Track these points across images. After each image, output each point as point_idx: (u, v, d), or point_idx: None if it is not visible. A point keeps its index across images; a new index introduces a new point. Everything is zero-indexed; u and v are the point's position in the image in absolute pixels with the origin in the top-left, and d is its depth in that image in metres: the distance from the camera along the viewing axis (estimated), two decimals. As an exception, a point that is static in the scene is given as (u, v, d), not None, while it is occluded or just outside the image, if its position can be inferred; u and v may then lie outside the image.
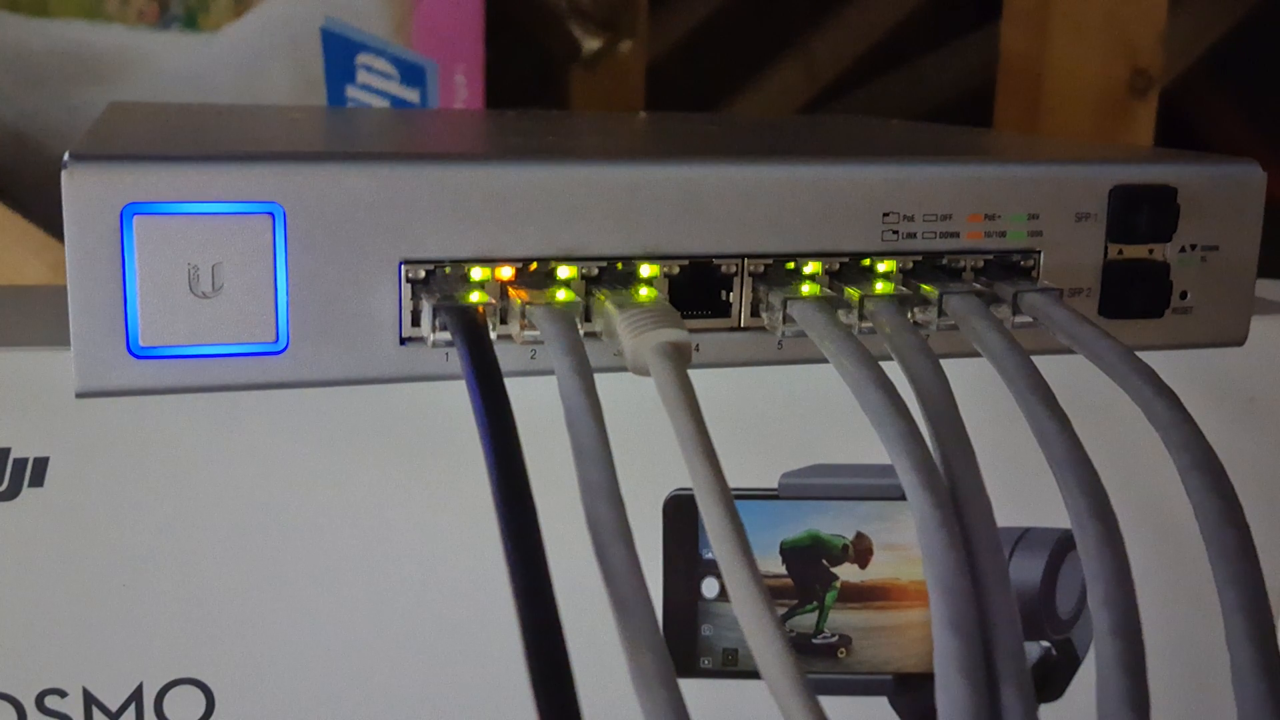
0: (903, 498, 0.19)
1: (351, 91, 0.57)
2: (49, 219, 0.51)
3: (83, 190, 0.21)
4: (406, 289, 0.23)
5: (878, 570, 0.29)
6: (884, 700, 0.30)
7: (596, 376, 0.21)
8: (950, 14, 0.83)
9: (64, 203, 0.21)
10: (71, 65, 0.54)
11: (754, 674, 0.17)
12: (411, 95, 0.58)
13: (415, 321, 0.23)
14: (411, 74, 0.58)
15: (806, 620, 0.29)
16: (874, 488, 0.29)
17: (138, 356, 0.22)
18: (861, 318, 0.24)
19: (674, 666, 0.17)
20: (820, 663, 0.29)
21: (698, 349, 0.24)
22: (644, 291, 0.23)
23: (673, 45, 0.81)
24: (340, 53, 0.57)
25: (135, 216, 0.21)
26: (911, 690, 0.30)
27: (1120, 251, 0.26)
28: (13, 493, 0.25)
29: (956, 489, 0.20)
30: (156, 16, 0.55)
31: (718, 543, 0.18)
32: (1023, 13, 0.67)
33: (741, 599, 0.18)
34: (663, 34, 0.79)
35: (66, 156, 0.21)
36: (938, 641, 0.17)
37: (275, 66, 0.56)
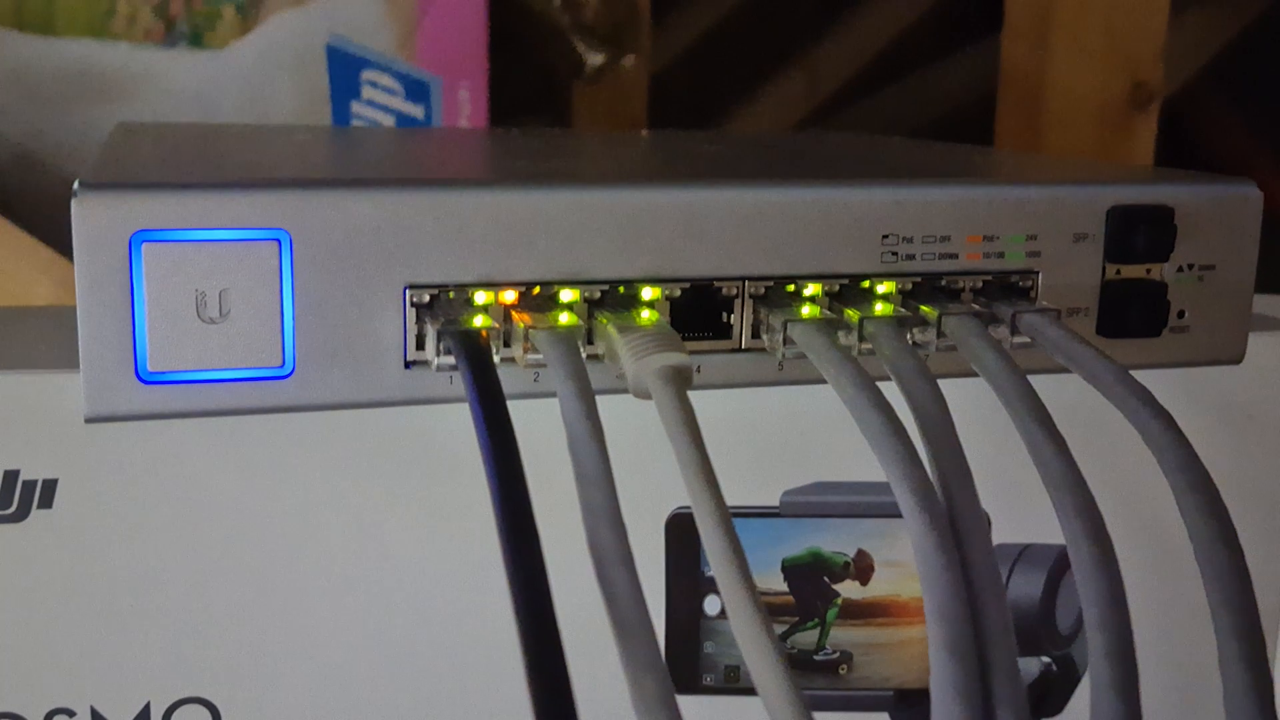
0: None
1: (356, 107, 0.58)
2: (56, 236, 0.51)
3: (92, 218, 0.21)
4: (411, 313, 0.23)
5: (879, 587, 0.30)
6: (885, 716, 0.30)
7: (600, 398, 0.21)
8: (952, 27, 0.83)
9: (73, 230, 0.21)
10: (78, 83, 0.54)
11: (756, 691, 0.18)
12: (416, 111, 0.58)
13: (420, 345, 0.23)
14: (416, 90, 0.58)
15: (808, 637, 0.29)
16: (875, 505, 0.29)
17: (146, 382, 0.22)
18: (861, 339, 0.24)
19: (675, 687, 0.17)
20: (822, 679, 0.30)
21: (699, 370, 0.25)
22: (645, 314, 0.23)
23: (676, 58, 0.81)
24: (345, 69, 0.57)
25: (144, 243, 0.21)
26: (913, 706, 0.30)
27: (1118, 271, 0.26)
28: (22, 514, 0.26)
29: (954, 511, 0.20)
30: (162, 34, 0.55)
31: (717, 564, 0.18)
32: (1023, 26, 0.67)
33: (740, 621, 0.18)
34: (666, 46, 0.80)
35: (76, 185, 0.21)
36: (934, 664, 0.18)
37: (281, 83, 0.56)
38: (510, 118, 0.64)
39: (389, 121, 0.58)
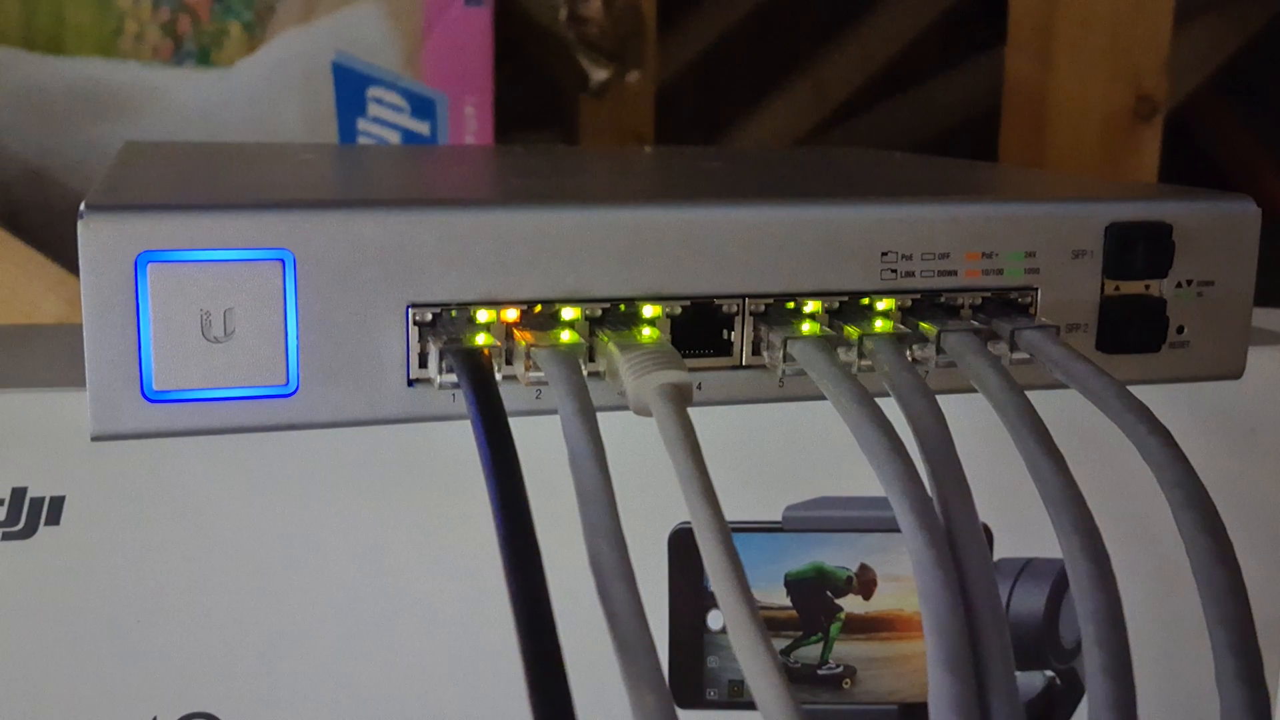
0: (903, 533, 0.20)
1: (363, 124, 0.58)
2: (66, 254, 0.52)
3: (98, 239, 0.21)
4: (414, 332, 0.23)
5: (882, 601, 0.30)
6: (889, 730, 0.30)
7: (601, 415, 0.21)
8: (957, 38, 0.84)
9: (80, 251, 0.21)
10: (87, 102, 0.54)
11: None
12: (422, 127, 0.59)
13: (423, 363, 0.23)
14: (422, 106, 0.58)
15: (811, 651, 0.30)
16: (877, 520, 0.29)
17: (151, 400, 0.22)
18: (861, 356, 0.24)
19: (679, 702, 0.18)
20: (825, 694, 0.30)
21: (700, 387, 0.25)
22: (646, 332, 0.24)
23: (682, 70, 0.82)
24: (351, 86, 0.58)
25: (149, 264, 0.22)
26: (916, 720, 0.30)
27: (1117, 287, 0.26)
28: (30, 531, 0.26)
29: (952, 528, 0.20)
30: (171, 53, 0.55)
31: (716, 580, 0.19)
32: (1027, 39, 0.67)
33: (739, 636, 0.18)
34: (671, 59, 0.80)
35: (83, 207, 0.22)
36: (932, 680, 0.18)
37: (288, 101, 0.57)
38: (516, 133, 0.65)
39: (395, 138, 0.59)
